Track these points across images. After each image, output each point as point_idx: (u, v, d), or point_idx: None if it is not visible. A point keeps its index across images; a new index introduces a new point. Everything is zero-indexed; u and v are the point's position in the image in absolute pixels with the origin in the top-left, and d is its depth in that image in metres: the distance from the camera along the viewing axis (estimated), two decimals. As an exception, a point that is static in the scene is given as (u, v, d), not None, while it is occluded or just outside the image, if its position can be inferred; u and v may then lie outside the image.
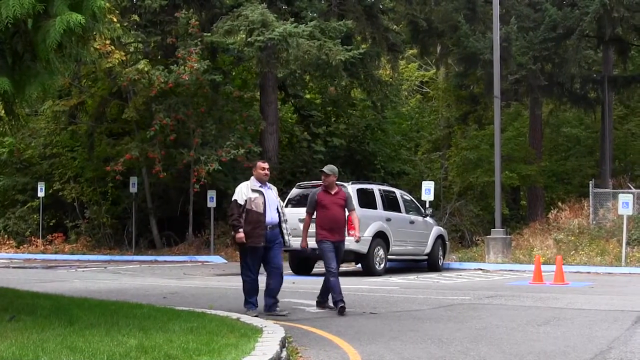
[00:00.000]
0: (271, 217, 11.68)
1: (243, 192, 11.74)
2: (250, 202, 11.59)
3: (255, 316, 10.92)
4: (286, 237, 11.99)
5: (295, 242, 20.14)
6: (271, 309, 11.70)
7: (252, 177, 11.99)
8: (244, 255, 11.84)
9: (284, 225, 11.95)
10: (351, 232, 12.72)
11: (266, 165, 12.01)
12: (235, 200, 11.72)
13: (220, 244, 28.32)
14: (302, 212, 19.83)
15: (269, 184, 12.08)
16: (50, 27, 9.16)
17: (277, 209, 11.85)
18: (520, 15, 30.92)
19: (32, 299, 12.13)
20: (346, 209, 12.52)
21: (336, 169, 12.68)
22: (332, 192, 12.41)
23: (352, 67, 30.01)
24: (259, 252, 11.66)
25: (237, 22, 26.38)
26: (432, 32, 34.16)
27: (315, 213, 12.55)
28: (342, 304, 11.99)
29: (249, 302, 11.76)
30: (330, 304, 12.47)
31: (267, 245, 11.65)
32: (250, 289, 11.78)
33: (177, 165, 27.86)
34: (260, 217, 11.53)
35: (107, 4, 10.64)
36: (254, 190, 11.72)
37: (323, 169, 12.62)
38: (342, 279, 18.35)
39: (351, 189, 19.77)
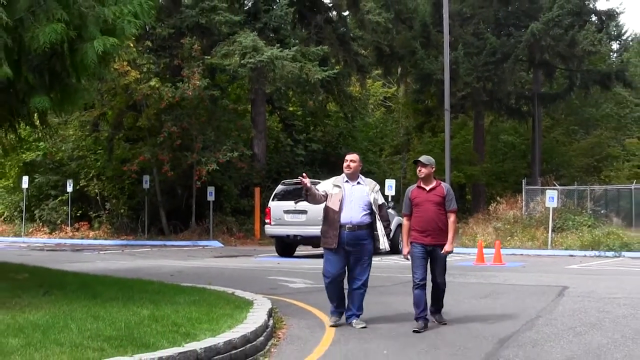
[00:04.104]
0: (351, 215, 8.51)
1: (325, 186, 8.86)
2: (330, 197, 8.66)
3: (332, 326, 8.54)
4: (381, 240, 8.61)
5: (278, 229, 20.33)
6: (347, 320, 8.75)
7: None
8: (325, 256, 8.87)
9: (378, 224, 8.66)
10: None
11: (349, 156, 8.85)
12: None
13: (218, 231, 28.17)
14: (286, 204, 20.12)
15: (362, 178, 8.89)
16: (88, 49, 9.12)
17: (370, 207, 8.64)
18: (466, 43, 31.13)
19: (62, 276, 12.09)
20: (446, 208, 8.63)
21: (434, 160, 8.83)
22: (428, 188, 8.61)
23: (328, 84, 30.03)
24: (337, 254, 8.60)
25: (233, 47, 26.31)
26: (394, 56, 34.38)
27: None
28: (420, 328, 8.34)
29: (331, 306, 8.89)
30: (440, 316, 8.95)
31: (347, 248, 8.57)
32: (328, 294, 8.84)
33: (182, 166, 27.74)
34: (335, 215, 8.53)
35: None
36: (335, 185, 8.74)
37: (419, 159, 8.76)
38: (311, 261, 18.41)
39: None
